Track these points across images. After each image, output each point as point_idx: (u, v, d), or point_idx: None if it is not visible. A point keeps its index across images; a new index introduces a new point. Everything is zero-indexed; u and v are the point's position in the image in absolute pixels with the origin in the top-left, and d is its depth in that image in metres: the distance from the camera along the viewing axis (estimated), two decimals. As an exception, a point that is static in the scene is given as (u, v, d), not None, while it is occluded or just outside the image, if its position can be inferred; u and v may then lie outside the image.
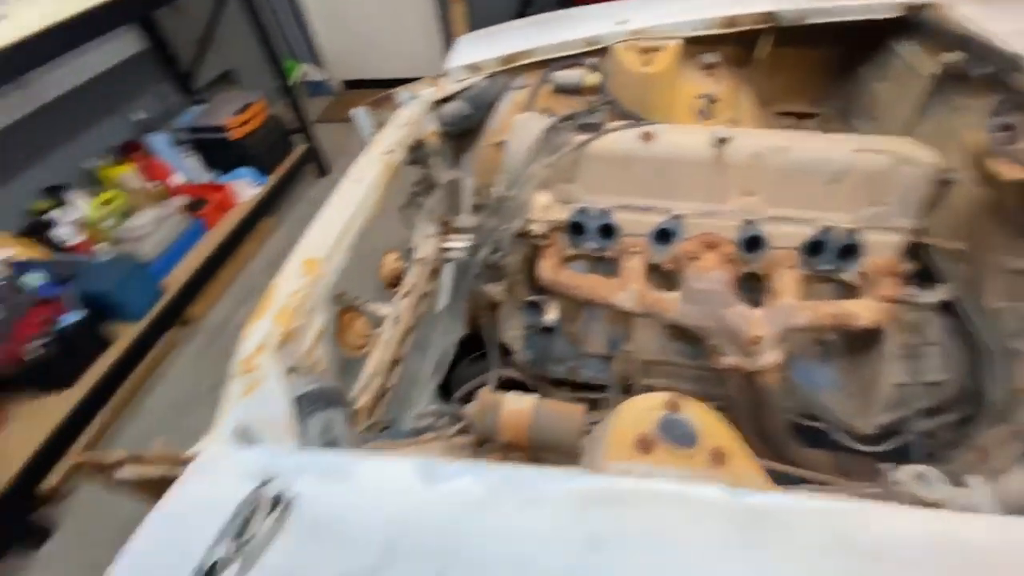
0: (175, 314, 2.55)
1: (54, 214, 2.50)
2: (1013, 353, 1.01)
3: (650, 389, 1.30)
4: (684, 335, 1.34)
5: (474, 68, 1.72)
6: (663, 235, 1.21)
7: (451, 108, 1.71)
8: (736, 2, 1.59)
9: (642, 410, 0.67)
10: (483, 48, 1.78)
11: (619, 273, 1.20)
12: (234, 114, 3.00)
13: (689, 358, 1.36)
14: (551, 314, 1.19)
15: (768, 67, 1.70)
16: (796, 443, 1.24)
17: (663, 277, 1.23)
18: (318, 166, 3.73)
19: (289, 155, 3.46)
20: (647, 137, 1.13)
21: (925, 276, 1.18)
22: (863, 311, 1.10)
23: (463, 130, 1.77)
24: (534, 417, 0.71)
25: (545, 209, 1.12)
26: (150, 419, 2.36)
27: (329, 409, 0.83)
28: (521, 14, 3.61)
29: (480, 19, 4.17)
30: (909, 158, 1.05)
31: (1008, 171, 0.94)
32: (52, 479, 2.07)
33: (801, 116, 1.85)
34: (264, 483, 0.62)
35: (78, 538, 2.02)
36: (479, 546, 0.54)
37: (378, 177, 1.28)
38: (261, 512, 0.60)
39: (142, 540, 0.61)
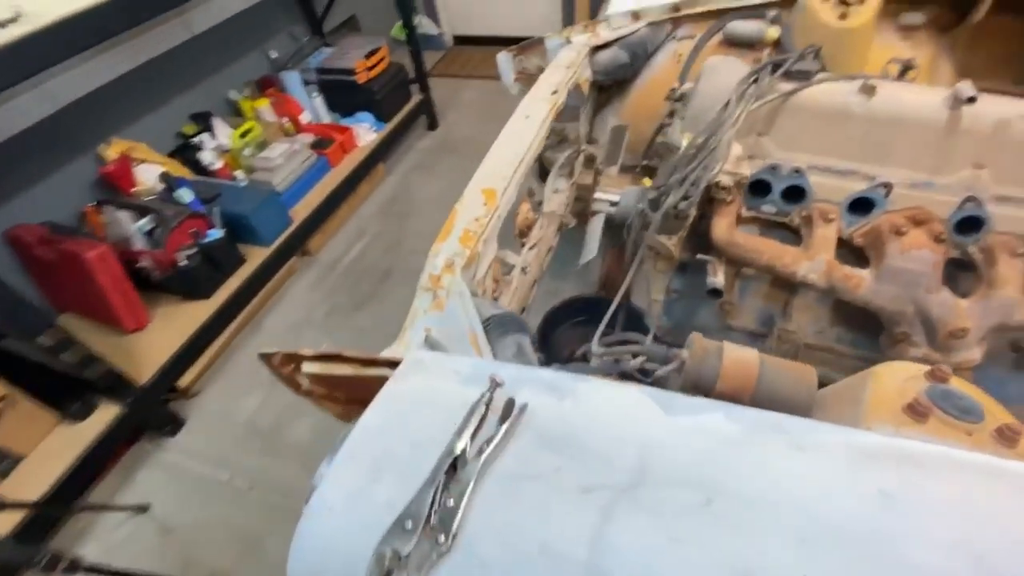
0: (298, 243, 2.71)
1: (201, 138, 2.70)
2: None
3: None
4: (851, 319, 1.22)
5: (636, 16, 1.62)
6: (861, 204, 1.09)
7: (607, 55, 1.63)
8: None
9: (903, 378, 0.59)
10: (648, -6, 1.67)
11: (807, 241, 1.10)
12: (363, 58, 3.07)
13: (850, 346, 1.25)
14: (718, 276, 1.11)
15: (975, 36, 1.48)
16: None
17: (850, 254, 1.12)
18: (429, 119, 3.77)
19: (406, 105, 3.52)
20: (869, 91, 1.00)
21: None
22: (1108, 315, 0.95)
23: (616, 79, 1.70)
24: (762, 369, 0.66)
25: (737, 161, 1.04)
26: (268, 337, 2.54)
27: (519, 334, 0.82)
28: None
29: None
30: None
31: None
32: (187, 377, 2.29)
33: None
34: (495, 386, 0.62)
35: (205, 433, 2.24)
36: (748, 482, 0.50)
37: (545, 116, 1.25)
38: (493, 415, 0.59)
39: (373, 420, 0.63)
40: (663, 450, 0.54)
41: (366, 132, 3.20)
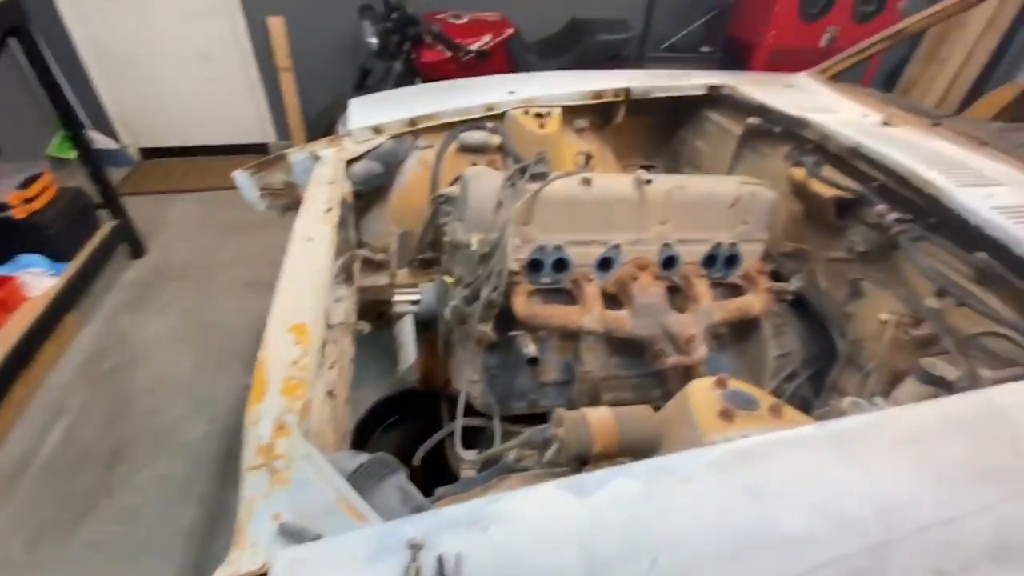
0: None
1: None
2: (847, 315, 1.45)
3: (605, 402, 1.46)
4: (623, 349, 1.54)
5: (378, 130, 1.75)
6: (605, 263, 1.40)
7: (362, 167, 1.70)
8: (598, 79, 1.98)
9: (706, 391, 0.80)
10: (381, 111, 1.83)
11: (580, 299, 1.35)
12: (18, 188, 2.38)
13: (628, 368, 1.56)
14: (531, 346, 1.26)
15: (619, 130, 2.13)
16: None
17: (608, 300, 1.42)
18: (131, 246, 3.12)
19: (95, 235, 2.84)
20: (587, 183, 1.33)
21: (775, 275, 1.61)
22: (755, 303, 1.45)
23: (373, 187, 1.77)
24: (618, 423, 0.79)
25: (516, 249, 1.22)
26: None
27: (393, 475, 0.77)
28: (361, 86, 3.71)
29: (311, 89, 4.13)
30: (758, 188, 1.46)
31: (825, 190, 1.39)
32: None
33: (644, 168, 2.32)
34: (415, 548, 0.57)
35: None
36: (667, 529, 0.59)
37: (329, 235, 1.22)
38: (429, 583, 0.55)
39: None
40: (597, 535, 0.59)
41: (38, 279, 2.45)
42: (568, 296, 1.43)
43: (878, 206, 1.28)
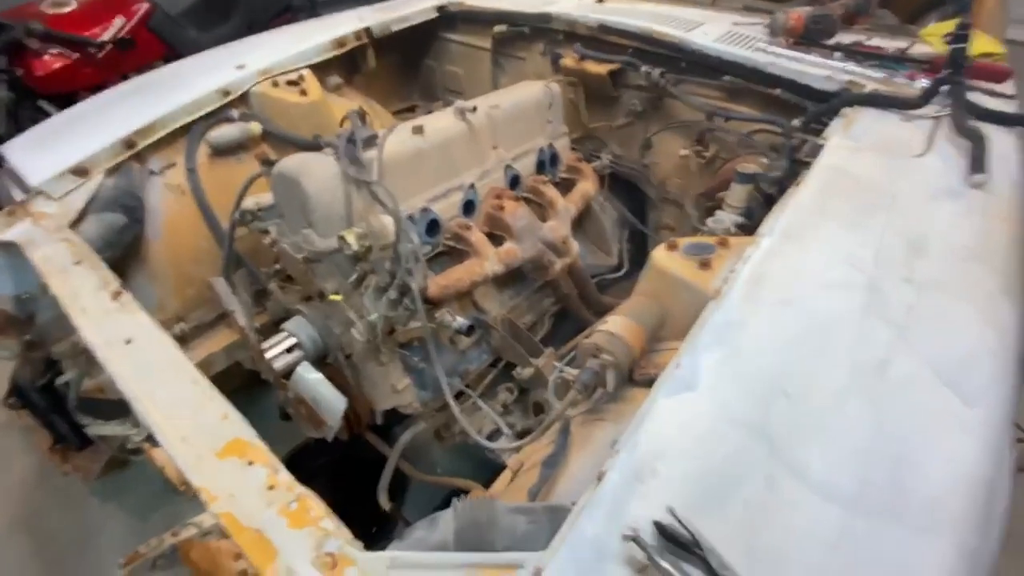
0: None
1: None
2: (647, 167, 1.72)
3: (529, 328, 1.47)
4: (507, 279, 1.54)
5: (80, 170, 1.23)
6: (467, 206, 1.34)
7: (92, 228, 1.20)
8: (329, 26, 1.72)
9: (671, 259, 0.87)
10: (68, 144, 1.29)
11: (471, 249, 1.26)
12: None
13: (519, 293, 1.58)
14: (459, 318, 1.15)
15: (369, 79, 1.95)
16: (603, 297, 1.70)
17: (491, 238, 1.38)
18: None
19: None
20: (418, 131, 1.20)
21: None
22: (589, 187, 1.60)
23: (124, 249, 1.27)
24: (632, 316, 0.80)
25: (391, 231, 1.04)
26: None
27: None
28: None
29: None
30: (549, 88, 1.54)
31: (599, 68, 1.56)
32: None
33: (409, 110, 2.21)
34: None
35: None
36: (767, 365, 0.65)
37: (147, 323, 0.85)
38: None
39: None
40: (733, 405, 0.61)
41: None
42: (449, 255, 1.33)
43: (643, 67, 1.50)
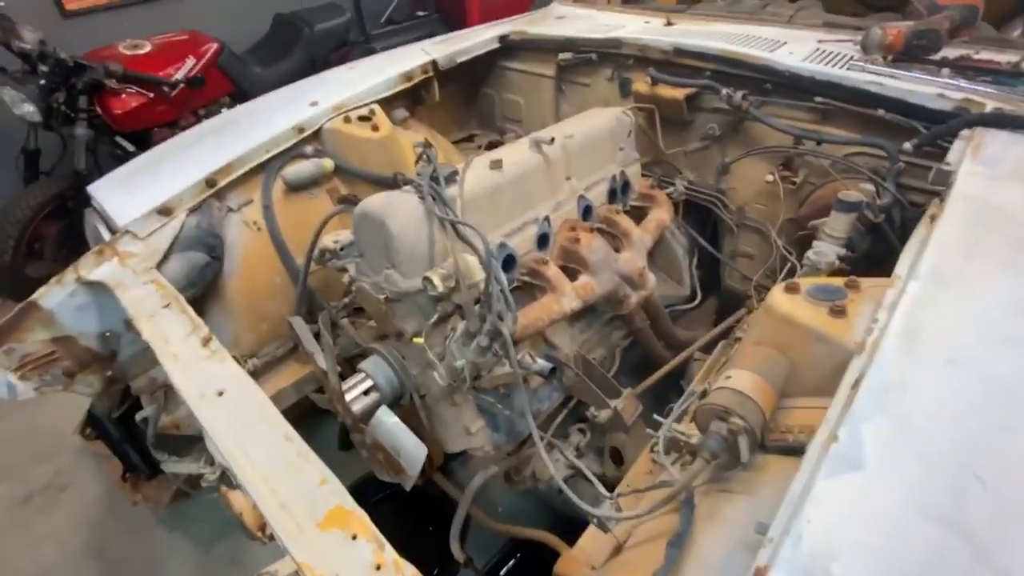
0: None
1: None
2: (724, 192, 1.63)
3: (600, 364, 1.39)
4: (579, 313, 1.47)
5: (164, 210, 1.25)
6: (542, 240, 1.29)
7: (176, 267, 1.21)
8: (396, 61, 1.73)
9: (795, 304, 0.78)
10: (153, 184, 1.32)
11: (548, 285, 1.21)
12: None
13: (590, 327, 1.51)
14: (538, 361, 1.09)
15: (431, 110, 1.95)
16: (676, 329, 1.60)
17: (566, 271, 1.32)
18: None
19: None
20: (496, 165, 1.16)
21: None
22: (664, 214, 1.52)
23: (206, 286, 1.28)
24: (760, 373, 0.71)
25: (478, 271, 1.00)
26: None
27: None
28: (35, 174, 2.68)
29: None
30: (623, 115, 1.49)
31: (674, 92, 1.49)
32: None
33: (468, 139, 2.21)
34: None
35: None
36: (952, 441, 0.56)
37: (237, 372, 0.83)
38: None
39: None
40: (912, 489, 0.52)
41: None
42: (522, 290, 1.28)
43: (722, 90, 1.43)
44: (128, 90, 2.62)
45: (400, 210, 1.00)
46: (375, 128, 1.50)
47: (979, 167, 0.95)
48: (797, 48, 1.44)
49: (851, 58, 1.36)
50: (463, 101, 2.18)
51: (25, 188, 2.64)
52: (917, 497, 0.51)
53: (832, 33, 1.53)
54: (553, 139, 1.23)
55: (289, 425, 0.73)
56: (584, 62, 1.76)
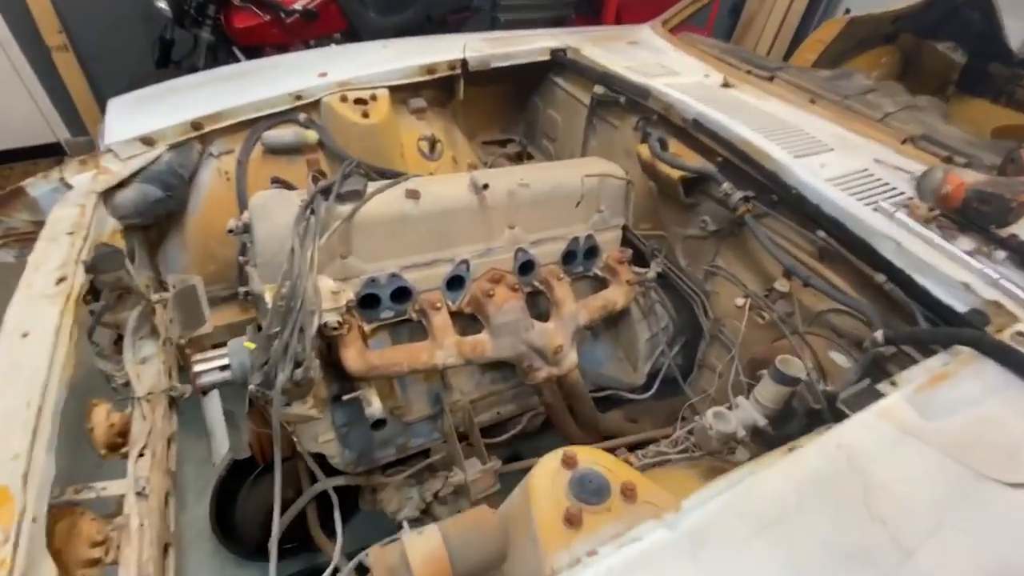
0: None
1: None
2: (709, 294, 1.42)
3: (483, 426, 1.32)
4: (495, 363, 1.39)
5: (149, 140, 1.36)
6: (455, 282, 1.22)
7: (131, 195, 1.32)
8: (428, 49, 1.70)
9: (550, 480, 0.66)
10: (153, 113, 1.43)
11: (431, 332, 1.15)
12: None
13: (505, 382, 1.42)
14: (375, 404, 1.06)
15: (465, 105, 1.89)
16: (600, 416, 1.45)
17: (466, 320, 1.25)
18: None
19: None
20: (414, 195, 1.10)
21: (637, 255, 1.53)
22: (618, 296, 1.36)
23: (159, 216, 1.40)
24: (450, 548, 0.62)
25: (335, 296, 0.98)
26: None
27: None
28: (165, 62, 3.05)
29: (101, 70, 3.33)
30: (608, 173, 1.33)
31: (671, 171, 1.30)
32: None
33: (502, 143, 2.13)
34: None
35: None
36: None
37: (58, 322, 0.89)
38: None
39: None
40: None
41: None
42: (416, 325, 1.23)
43: (723, 184, 1.21)
44: (250, 8, 2.86)
45: (274, 214, 0.99)
46: (365, 115, 1.49)
47: (910, 409, 0.72)
48: (839, 161, 1.17)
49: (894, 195, 1.08)
50: (512, 103, 2.09)
51: (155, 71, 3.04)
52: None
53: (901, 155, 1.22)
54: (487, 185, 1.14)
55: (51, 397, 0.77)
56: (615, 102, 1.59)
